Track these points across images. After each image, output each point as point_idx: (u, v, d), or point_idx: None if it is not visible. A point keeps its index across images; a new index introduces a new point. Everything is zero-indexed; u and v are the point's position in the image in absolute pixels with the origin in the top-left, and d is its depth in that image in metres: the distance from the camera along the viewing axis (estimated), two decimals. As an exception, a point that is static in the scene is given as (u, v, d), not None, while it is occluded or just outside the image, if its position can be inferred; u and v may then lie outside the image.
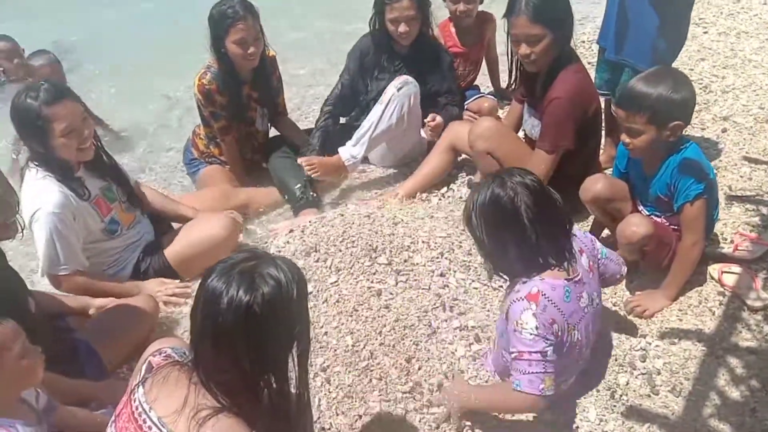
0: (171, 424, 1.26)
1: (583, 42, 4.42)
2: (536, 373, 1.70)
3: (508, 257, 1.78)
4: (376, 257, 2.41)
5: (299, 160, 3.10)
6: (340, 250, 2.46)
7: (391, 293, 2.26)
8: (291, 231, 2.69)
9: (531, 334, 1.70)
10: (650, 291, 2.36)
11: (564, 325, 1.76)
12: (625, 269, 2.10)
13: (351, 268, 2.38)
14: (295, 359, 1.33)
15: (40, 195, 2.27)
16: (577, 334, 1.81)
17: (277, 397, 1.31)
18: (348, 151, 3.13)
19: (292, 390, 1.36)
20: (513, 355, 1.74)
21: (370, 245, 2.45)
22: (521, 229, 1.73)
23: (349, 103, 3.35)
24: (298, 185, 3.09)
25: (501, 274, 1.87)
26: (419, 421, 1.91)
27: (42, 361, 1.64)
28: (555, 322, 1.73)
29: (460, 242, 2.49)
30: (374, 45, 3.26)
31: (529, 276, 1.78)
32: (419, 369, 2.03)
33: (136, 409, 1.31)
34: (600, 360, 2.12)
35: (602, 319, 2.28)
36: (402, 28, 3.07)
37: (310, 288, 2.28)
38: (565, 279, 1.78)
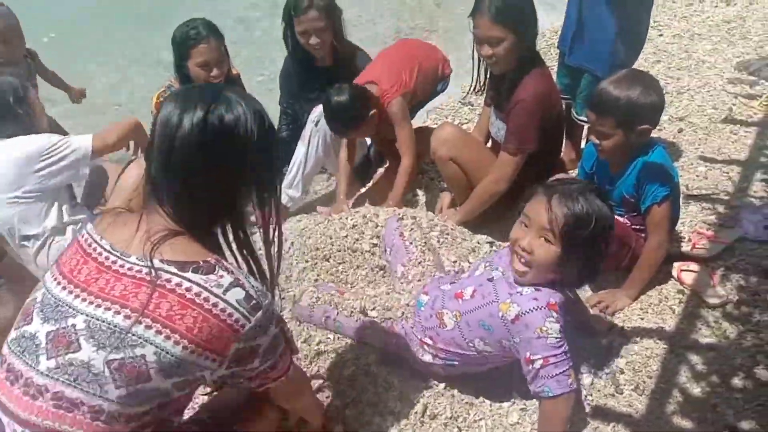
0: (124, 248, 1.20)
1: (543, 48, 4.48)
2: (563, 371, 1.73)
3: (572, 271, 1.79)
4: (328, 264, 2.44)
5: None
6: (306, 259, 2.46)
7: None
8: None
9: (556, 338, 1.73)
10: (612, 290, 2.40)
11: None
12: None
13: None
14: (257, 205, 1.30)
15: None
16: None
17: (235, 240, 1.29)
18: (286, 194, 3.06)
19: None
20: (538, 363, 1.73)
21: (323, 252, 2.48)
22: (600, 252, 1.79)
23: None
24: None
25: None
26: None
27: None
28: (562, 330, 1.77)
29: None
30: (295, 63, 3.20)
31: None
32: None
33: (86, 241, 1.25)
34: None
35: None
36: (313, 40, 3.00)
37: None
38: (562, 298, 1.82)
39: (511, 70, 2.54)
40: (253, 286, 1.19)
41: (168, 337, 1.12)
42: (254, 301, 1.18)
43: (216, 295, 1.14)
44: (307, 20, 2.95)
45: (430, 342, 1.97)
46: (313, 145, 3.05)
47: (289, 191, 3.06)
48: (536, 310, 1.75)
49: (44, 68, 3.60)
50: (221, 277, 1.16)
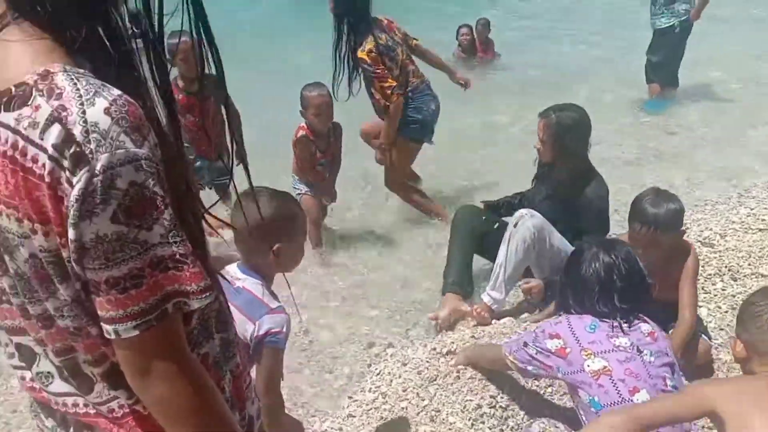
0: None
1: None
2: (510, 342, 2.18)
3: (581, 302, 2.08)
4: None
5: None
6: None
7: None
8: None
9: (533, 330, 2.11)
10: None
11: (574, 345, 1.96)
12: None
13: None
14: None
15: None
16: (600, 361, 1.92)
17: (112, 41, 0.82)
18: (489, 296, 3.07)
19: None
20: None
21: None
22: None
23: None
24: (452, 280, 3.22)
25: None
26: None
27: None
28: (560, 336, 1.99)
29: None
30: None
31: None
32: None
33: None
34: None
35: None
36: (536, 143, 3.16)
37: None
38: (599, 319, 2.00)
39: None
40: (87, 121, 0.73)
41: None
42: (75, 149, 0.73)
43: (28, 140, 0.74)
44: (538, 127, 3.13)
45: None
46: (512, 247, 3.06)
47: (492, 293, 3.09)
48: None
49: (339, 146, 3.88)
50: (37, 108, 0.74)
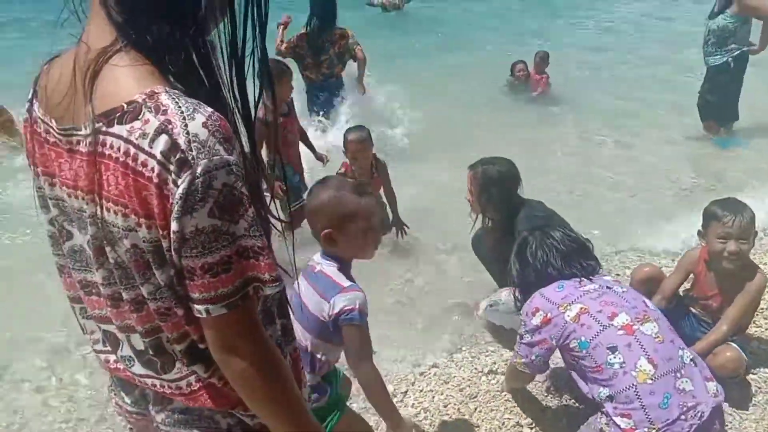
0: (67, 121, 0.98)
1: None
2: (514, 352, 2.29)
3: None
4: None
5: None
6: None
7: None
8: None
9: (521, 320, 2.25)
10: None
11: (552, 308, 2.16)
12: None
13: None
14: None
15: None
16: (576, 306, 2.12)
17: (199, 58, 0.96)
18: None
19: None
20: None
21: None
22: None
23: None
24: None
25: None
26: None
27: (377, 246, 1.93)
28: (539, 309, 2.18)
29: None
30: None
31: None
32: None
33: (38, 128, 1.05)
34: None
35: None
36: (466, 195, 3.20)
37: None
38: (562, 281, 2.24)
39: None
40: (189, 133, 0.87)
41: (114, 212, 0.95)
42: (180, 155, 0.87)
43: (139, 148, 0.89)
44: (468, 179, 3.16)
45: None
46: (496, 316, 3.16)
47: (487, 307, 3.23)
48: None
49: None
50: (146, 122, 0.88)
